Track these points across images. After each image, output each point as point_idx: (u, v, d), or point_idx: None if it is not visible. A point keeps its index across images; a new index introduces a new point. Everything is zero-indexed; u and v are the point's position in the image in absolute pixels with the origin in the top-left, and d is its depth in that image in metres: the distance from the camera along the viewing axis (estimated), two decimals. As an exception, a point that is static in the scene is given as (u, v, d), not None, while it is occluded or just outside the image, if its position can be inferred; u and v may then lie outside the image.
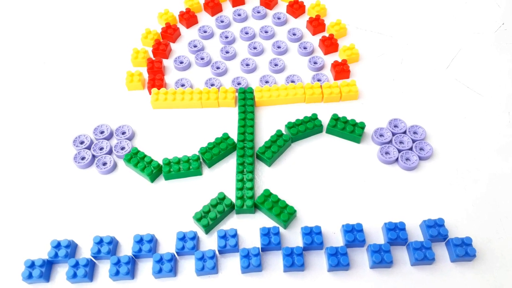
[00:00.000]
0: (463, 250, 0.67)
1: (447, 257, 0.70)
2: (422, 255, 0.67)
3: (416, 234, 0.72)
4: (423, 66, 0.96)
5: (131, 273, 0.69)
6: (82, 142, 0.85)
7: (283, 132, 0.85)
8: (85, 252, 0.73)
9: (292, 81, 0.93)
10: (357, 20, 1.05)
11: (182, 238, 0.71)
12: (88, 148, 0.84)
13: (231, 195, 0.77)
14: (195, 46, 1.00)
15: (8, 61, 1.02)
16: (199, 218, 0.73)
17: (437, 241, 0.71)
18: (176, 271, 0.70)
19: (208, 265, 0.68)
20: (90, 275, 0.69)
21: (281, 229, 0.74)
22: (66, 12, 1.12)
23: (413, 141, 0.82)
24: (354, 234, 0.70)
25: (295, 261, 0.68)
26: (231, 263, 0.70)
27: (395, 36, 1.02)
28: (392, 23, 1.05)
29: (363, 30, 1.03)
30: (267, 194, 0.75)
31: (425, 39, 1.01)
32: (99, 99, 0.93)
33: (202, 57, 0.98)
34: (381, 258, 0.67)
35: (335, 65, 0.93)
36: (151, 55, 1.00)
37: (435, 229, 0.70)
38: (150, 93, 0.92)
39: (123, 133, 0.86)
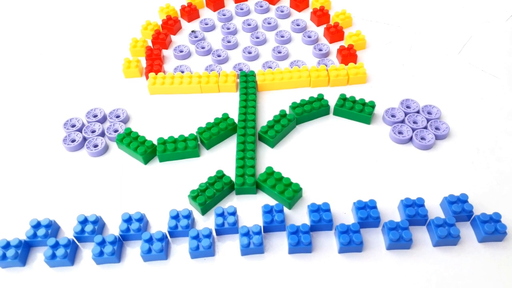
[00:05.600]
0: (492, 227, 0.59)
1: (474, 238, 0.62)
2: (446, 232, 0.59)
3: (436, 214, 0.64)
4: (433, 52, 0.91)
5: (117, 255, 0.61)
6: (73, 125, 0.80)
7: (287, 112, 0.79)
8: (69, 234, 0.65)
9: (297, 66, 0.88)
10: (362, 12, 1.03)
11: (176, 216, 0.63)
12: (80, 130, 0.79)
13: (231, 177, 0.70)
14: (195, 37, 0.97)
15: (6, 51, 0.99)
16: (195, 196, 0.66)
17: (461, 220, 0.63)
18: (168, 253, 0.62)
19: (203, 244, 0.60)
20: (71, 257, 0.61)
21: (286, 210, 0.66)
22: (69, 5, 1.11)
23: (428, 120, 0.76)
24: (367, 211, 0.62)
25: (301, 239, 0.60)
26: (230, 245, 0.63)
27: (403, 26, 0.99)
28: (399, 14, 1.02)
29: (369, 21, 1.00)
30: (270, 172, 0.68)
31: (433, 28, 0.97)
32: (95, 86, 0.89)
33: (203, 46, 0.95)
34: (399, 236, 0.59)
35: (341, 49, 0.88)
36: (151, 45, 0.96)
37: (458, 205, 0.62)
38: (147, 79, 0.88)
39: (117, 116, 0.81)
